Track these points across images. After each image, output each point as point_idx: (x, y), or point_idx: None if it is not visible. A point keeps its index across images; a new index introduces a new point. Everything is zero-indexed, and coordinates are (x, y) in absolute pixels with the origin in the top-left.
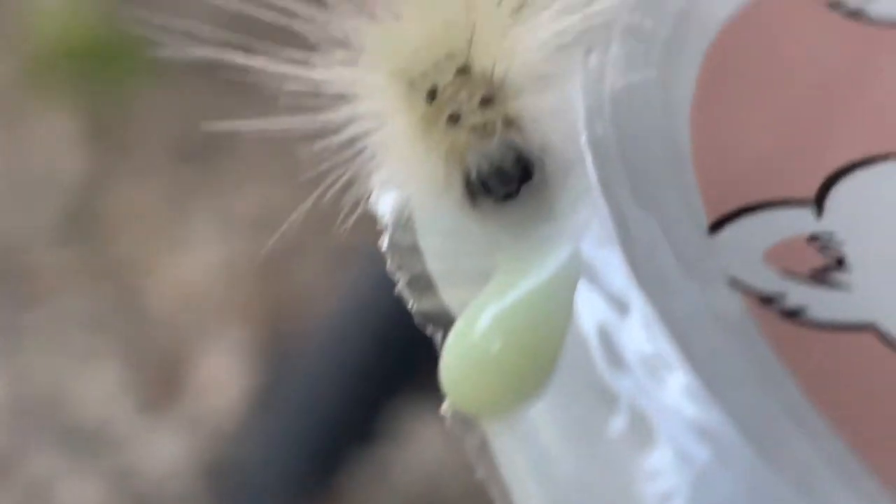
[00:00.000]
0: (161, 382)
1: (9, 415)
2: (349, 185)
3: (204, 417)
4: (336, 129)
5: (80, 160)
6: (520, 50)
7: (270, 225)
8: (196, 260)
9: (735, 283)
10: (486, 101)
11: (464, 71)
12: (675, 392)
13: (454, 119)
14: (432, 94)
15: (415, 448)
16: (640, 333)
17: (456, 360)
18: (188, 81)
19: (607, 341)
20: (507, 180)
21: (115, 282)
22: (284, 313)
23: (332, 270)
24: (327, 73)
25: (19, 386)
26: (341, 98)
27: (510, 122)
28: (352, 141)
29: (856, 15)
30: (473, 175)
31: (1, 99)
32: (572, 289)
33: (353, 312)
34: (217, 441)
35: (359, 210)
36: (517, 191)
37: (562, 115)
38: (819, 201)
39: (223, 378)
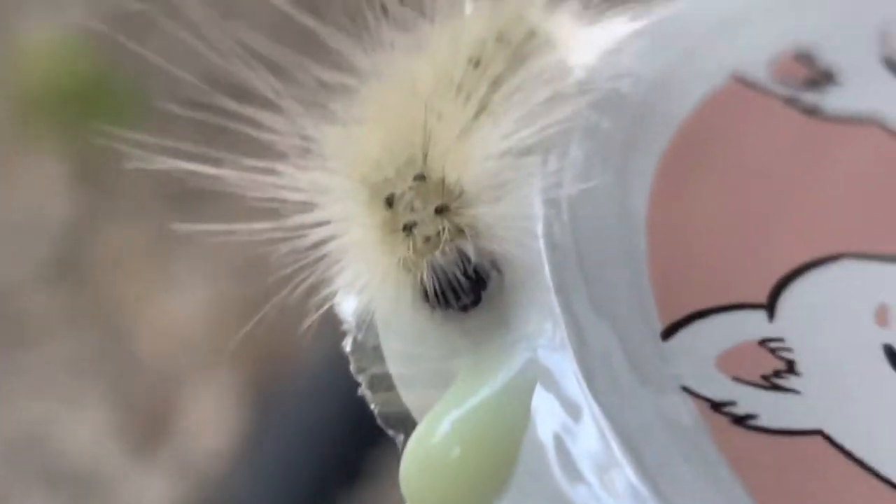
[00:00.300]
0: (148, 425)
1: None
2: (314, 287)
3: (191, 460)
4: (300, 234)
5: (67, 204)
6: (477, 157)
7: (257, 268)
8: (183, 303)
9: (687, 390)
10: (441, 210)
11: (422, 178)
12: (626, 499)
13: (410, 228)
14: (390, 201)
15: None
16: (594, 440)
17: (416, 465)
18: (175, 125)
19: (562, 448)
20: (459, 294)
21: (103, 325)
22: (271, 356)
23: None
24: (291, 179)
25: (7, 429)
26: (306, 204)
27: (463, 232)
28: (316, 245)
29: (812, 111)
30: (428, 287)
31: None
32: (529, 395)
33: (340, 355)
34: (205, 484)
35: (322, 311)
36: (474, 302)
37: (520, 220)
38: (771, 304)
39: (210, 421)
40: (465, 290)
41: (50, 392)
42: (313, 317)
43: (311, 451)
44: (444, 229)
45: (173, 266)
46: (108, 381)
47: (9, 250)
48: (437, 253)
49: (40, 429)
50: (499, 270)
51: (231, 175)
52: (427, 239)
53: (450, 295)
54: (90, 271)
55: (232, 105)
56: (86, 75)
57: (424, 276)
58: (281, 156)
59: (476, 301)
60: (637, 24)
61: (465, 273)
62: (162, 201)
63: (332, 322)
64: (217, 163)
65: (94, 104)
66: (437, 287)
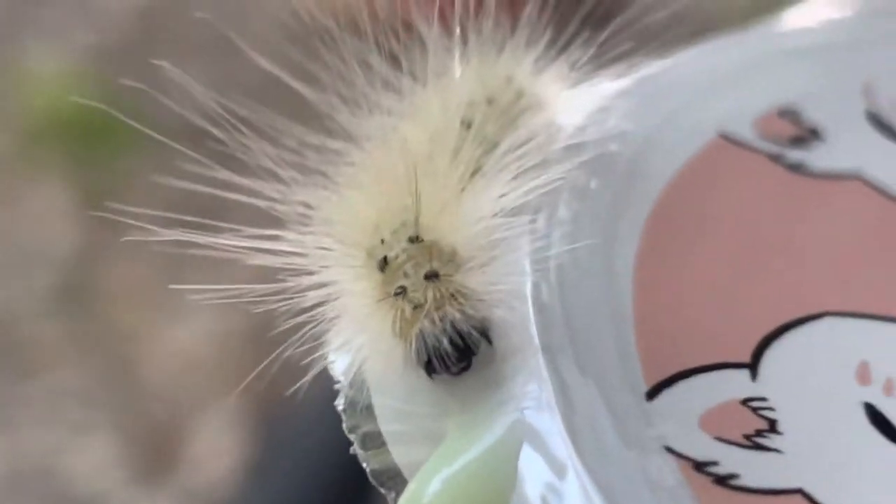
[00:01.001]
0: (154, 454)
1: (2, 487)
2: (309, 346)
3: (197, 488)
4: (298, 296)
5: (73, 233)
6: (469, 218)
7: (263, 296)
8: (189, 331)
9: (671, 450)
10: (431, 276)
11: (415, 240)
12: None
13: (401, 293)
14: (384, 264)
15: None
16: (579, 500)
17: None
18: (180, 153)
19: None
20: (448, 363)
21: (109, 354)
22: (278, 384)
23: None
24: (289, 245)
25: (13, 459)
26: (303, 268)
27: (454, 298)
28: (312, 306)
29: (797, 168)
30: (416, 355)
31: None
32: (516, 454)
33: None
34: None
35: (316, 370)
36: (464, 369)
37: (509, 282)
38: (754, 363)
39: (216, 449)
40: (452, 359)
41: (57, 420)
42: (307, 377)
43: (315, 479)
44: (433, 296)
45: (180, 294)
46: (114, 410)
47: (16, 279)
48: (426, 321)
49: (47, 457)
50: (489, 339)
51: (230, 243)
52: (417, 306)
53: (437, 362)
54: (97, 300)
55: (230, 176)
56: (91, 104)
57: (413, 344)
58: (279, 223)
59: (466, 367)
60: (623, 84)
61: (452, 342)
62: (168, 228)
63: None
64: (216, 230)
65: (100, 134)
66: (426, 355)
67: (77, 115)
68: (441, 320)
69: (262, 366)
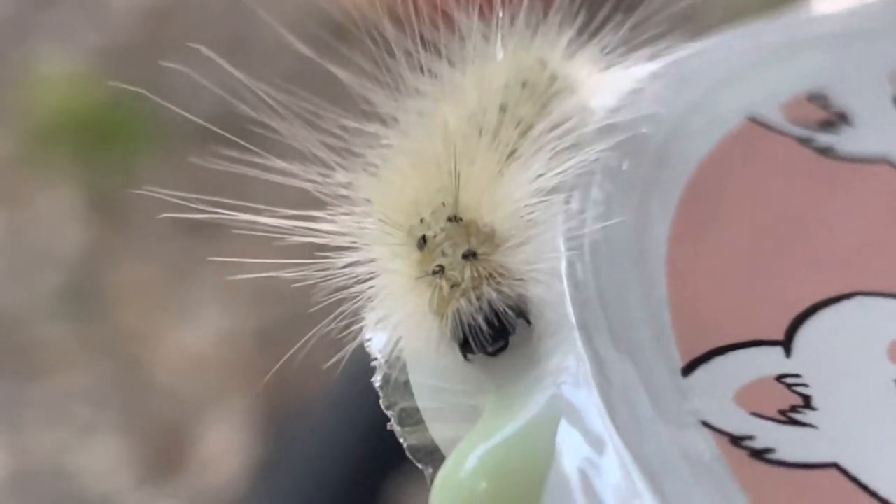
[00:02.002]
0: (163, 454)
1: (11, 488)
2: (348, 322)
3: (206, 489)
4: (339, 273)
5: (81, 234)
6: (507, 198)
7: (273, 296)
8: (198, 332)
9: (707, 425)
10: (469, 255)
11: (455, 219)
12: None
13: (439, 272)
14: (423, 243)
15: None
16: (617, 473)
17: (444, 498)
18: (189, 153)
19: (587, 481)
20: (484, 342)
21: (117, 355)
22: (287, 384)
23: (334, 341)
24: (331, 224)
25: (21, 459)
26: (345, 245)
27: (491, 277)
28: (352, 283)
29: (826, 151)
30: (452, 334)
31: (3, 173)
32: (554, 430)
33: (355, 383)
34: None
35: (354, 346)
36: (502, 349)
37: (545, 261)
38: (788, 341)
39: (225, 450)
40: (488, 338)
41: (65, 421)
42: (346, 350)
43: (325, 480)
44: (470, 275)
45: (188, 296)
46: (123, 411)
47: (24, 281)
48: (463, 300)
49: (56, 458)
50: (527, 320)
51: (270, 222)
52: (455, 285)
53: (474, 342)
54: (105, 301)
55: (271, 159)
56: (99, 106)
57: (449, 323)
58: (318, 203)
59: (503, 347)
60: (655, 67)
61: (488, 321)
62: (177, 229)
63: (351, 352)
64: (257, 211)
65: (108, 135)
66: (462, 333)
67: (85, 116)
68: (478, 299)
69: (296, 347)
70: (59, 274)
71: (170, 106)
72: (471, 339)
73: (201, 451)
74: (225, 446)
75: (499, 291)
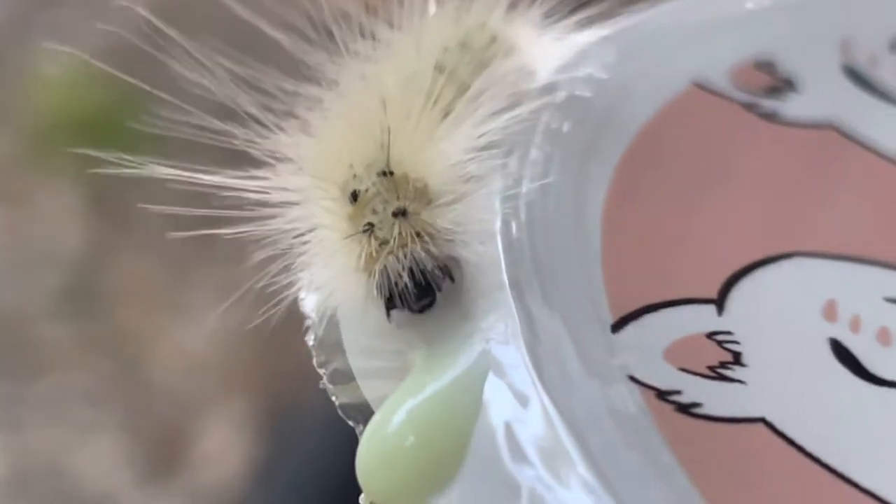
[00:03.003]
0: (162, 454)
1: (10, 488)
2: (281, 283)
3: (205, 488)
4: (276, 233)
5: (81, 233)
6: (441, 155)
7: (271, 295)
8: (197, 332)
9: (634, 380)
10: (399, 213)
11: (386, 174)
12: (572, 485)
13: (369, 229)
14: (355, 197)
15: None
16: (541, 427)
17: (372, 452)
18: (187, 153)
19: (512, 434)
20: (411, 298)
21: (117, 354)
22: (285, 383)
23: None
24: (268, 183)
25: (20, 459)
26: (283, 205)
27: (420, 236)
28: (287, 241)
29: (770, 116)
30: (379, 290)
31: (3, 172)
32: (481, 385)
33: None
34: None
35: (285, 306)
36: (429, 305)
37: (479, 219)
38: (721, 299)
39: (224, 449)
40: (413, 296)
41: (64, 420)
42: (278, 309)
43: (323, 479)
44: (399, 233)
45: (187, 295)
46: (122, 410)
47: (24, 279)
48: (391, 257)
49: (55, 457)
50: (451, 278)
51: (215, 181)
52: (383, 243)
53: (398, 299)
54: (104, 300)
55: (213, 121)
56: (99, 105)
57: (376, 279)
58: (259, 163)
59: (429, 305)
60: (600, 33)
61: (415, 279)
62: (176, 229)
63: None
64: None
65: (109, 134)
66: (388, 291)
67: (87, 116)
68: (405, 257)
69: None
70: (59, 273)
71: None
72: (396, 297)
73: (200, 451)
74: (224, 446)
75: (426, 250)
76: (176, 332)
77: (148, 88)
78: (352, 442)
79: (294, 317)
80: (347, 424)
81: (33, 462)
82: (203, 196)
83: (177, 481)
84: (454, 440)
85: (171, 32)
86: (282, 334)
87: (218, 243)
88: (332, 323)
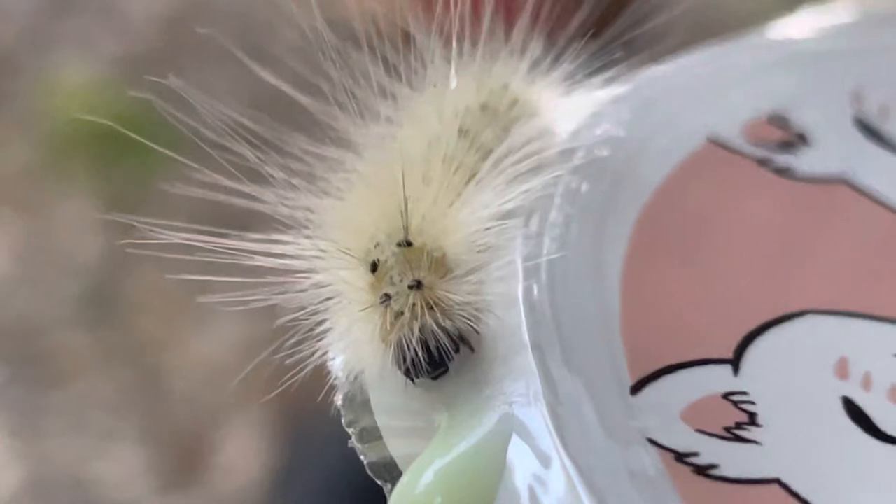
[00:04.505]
0: (182, 461)
1: (31, 496)
2: (306, 345)
3: (225, 496)
4: (299, 297)
5: (100, 241)
6: (461, 223)
7: (269, 295)
8: (215, 339)
9: (653, 442)
10: (415, 286)
11: (406, 244)
12: None
13: (386, 301)
14: (374, 267)
15: None
16: (563, 488)
17: None
18: (206, 161)
19: (534, 496)
20: (423, 369)
21: (136, 362)
22: (304, 392)
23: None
24: (292, 248)
25: (41, 467)
26: (301, 269)
27: (432, 308)
28: (312, 305)
29: (784, 171)
30: (397, 360)
31: (21, 180)
32: (505, 448)
33: None
34: None
35: (312, 366)
36: (443, 373)
37: (497, 286)
38: (736, 359)
39: (243, 456)
40: (425, 368)
41: (84, 429)
42: (305, 370)
43: (343, 486)
44: (413, 306)
45: (206, 304)
46: (142, 418)
47: (43, 288)
48: (405, 330)
49: (75, 465)
50: (471, 347)
51: (237, 245)
52: (399, 314)
53: (412, 370)
54: (124, 309)
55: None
56: (118, 114)
57: (392, 351)
58: (283, 226)
59: (443, 373)
60: (616, 91)
61: (429, 351)
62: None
63: None
64: (224, 236)
65: (126, 144)
66: (402, 362)
67: (103, 125)
68: (419, 331)
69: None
70: (79, 282)
71: (183, 113)
72: (410, 367)
73: (220, 458)
74: (243, 453)
75: (437, 323)
76: (195, 341)
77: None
78: None
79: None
80: None
81: (54, 470)
82: (225, 210)
83: (196, 489)
84: (480, 501)
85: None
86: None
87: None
88: (358, 383)
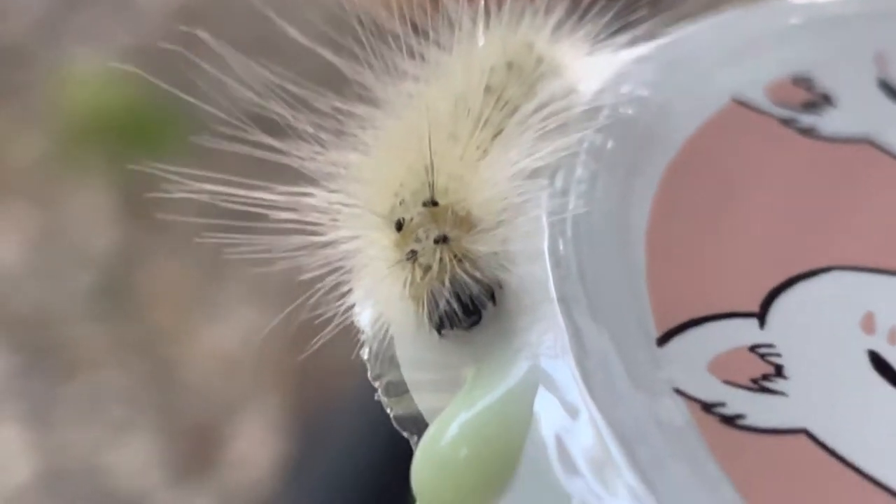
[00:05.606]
0: (195, 453)
1: (44, 486)
2: (333, 298)
3: (238, 487)
4: (324, 249)
5: (114, 233)
6: (487, 181)
7: (304, 294)
8: (230, 330)
9: (680, 392)
10: (440, 240)
11: (431, 203)
12: (620, 495)
13: (413, 256)
14: (400, 226)
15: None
16: (591, 439)
17: (426, 465)
18: (220, 153)
19: (562, 446)
20: (459, 320)
21: (150, 354)
22: (317, 383)
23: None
24: (318, 202)
25: (55, 458)
26: (330, 224)
27: (460, 261)
28: (338, 260)
29: (808, 131)
30: (426, 315)
31: (35, 173)
32: (532, 398)
33: None
34: None
35: (340, 322)
36: (474, 324)
37: (522, 240)
38: (763, 313)
39: (257, 448)
40: (459, 318)
41: (98, 420)
42: (334, 326)
43: (356, 478)
44: (441, 260)
45: (220, 295)
46: (155, 410)
47: (57, 280)
48: (436, 283)
49: (88, 456)
50: (494, 300)
51: (264, 197)
52: (427, 269)
53: (447, 321)
54: (137, 301)
55: (267, 138)
56: (130, 106)
57: (425, 307)
58: (310, 181)
59: (476, 322)
60: (641, 52)
61: (461, 302)
62: (208, 228)
63: None
64: (252, 188)
65: (139, 134)
66: (435, 315)
67: (117, 116)
68: (449, 283)
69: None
70: (92, 273)
71: (204, 97)
72: (444, 320)
73: (233, 450)
74: (256, 444)
75: (468, 274)
76: (208, 332)
77: (182, 95)
78: (382, 443)
79: (327, 317)
80: (379, 425)
81: (67, 461)
82: (239, 215)
83: (209, 480)
84: (506, 452)
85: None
86: (314, 334)
87: (251, 243)
88: (385, 337)
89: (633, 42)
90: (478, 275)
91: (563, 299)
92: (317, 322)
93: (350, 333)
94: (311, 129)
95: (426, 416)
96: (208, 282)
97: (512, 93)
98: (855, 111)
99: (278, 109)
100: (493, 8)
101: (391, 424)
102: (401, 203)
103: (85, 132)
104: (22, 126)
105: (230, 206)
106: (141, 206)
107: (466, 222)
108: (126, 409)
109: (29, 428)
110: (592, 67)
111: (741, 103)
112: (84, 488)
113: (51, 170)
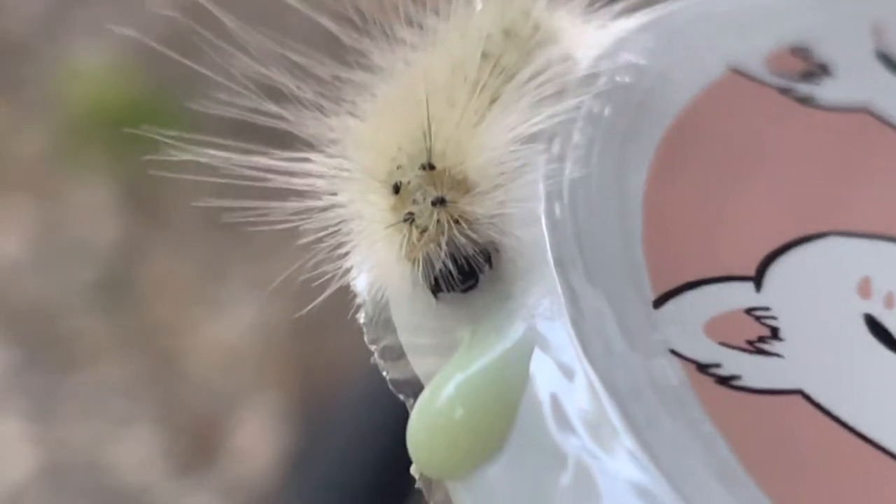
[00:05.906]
0: (197, 446)
1: (46, 480)
2: (328, 262)
3: (240, 480)
4: (321, 214)
5: (115, 227)
6: (484, 146)
7: (305, 288)
8: (231, 324)
9: (675, 353)
10: (437, 202)
11: (428, 167)
12: (616, 454)
13: (410, 219)
14: (397, 189)
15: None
16: (586, 399)
17: (422, 425)
18: (218, 126)
19: (558, 406)
20: (451, 284)
21: (151, 347)
22: (319, 375)
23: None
24: (315, 167)
25: (56, 451)
26: (328, 189)
27: (457, 222)
28: (334, 224)
29: (805, 100)
30: (423, 277)
31: (37, 167)
32: (527, 360)
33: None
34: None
35: (335, 285)
36: (471, 287)
37: (522, 203)
38: (759, 277)
39: (258, 441)
40: (455, 280)
41: (99, 413)
42: (331, 288)
43: (358, 471)
44: (438, 222)
45: (221, 288)
46: (157, 403)
47: (58, 274)
48: (432, 245)
49: (90, 450)
50: (490, 264)
51: (262, 163)
52: (424, 231)
53: (443, 283)
54: (139, 294)
55: (266, 104)
56: (132, 101)
57: (421, 267)
58: (308, 146)
59: (473, 286)
60: (639, 21)
61: (457, 264)
62: (210, 222)
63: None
64: (251, 153)
65: (142, 126)
66: (432, 277)
67: (119, 111)
68: (446, 244)
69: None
70: (94, 267)
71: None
72: (441, 282)
73: (235, 443)
74: (258, 438)
75: (466, 236)
76: (210, 325)
77: (192, 65)
78: (387, 434)
79: (330, 309)
80: (382, 417)
81: (69, 455)
82: (238, 187)
83: (212, 473)
84: (502, 412)
85: (219, 14)
86: (316, 326)
87: (253, 235)
88: (382, 301)
89: (631, 11)
90: (474, 237)
91: (559, 262)
92: (314, 284)
93: (352, 325)
94: (310, 96)
95: (422, 380)
96: (210, 275)
97: (509, 59)
98: (853, 81)
99: (278, 76)
100: None
101: (394, 418)
102: (398, 167)
103: (87, 127)
104: (24, 120)
105: (229, 171)
106: (143, 200)
107: (463, 185)
108: (128, 402)
109: (30, 421)
110: (589, 36)
111: (739, 72)
112: (86, 481)
113: (53, 164)
